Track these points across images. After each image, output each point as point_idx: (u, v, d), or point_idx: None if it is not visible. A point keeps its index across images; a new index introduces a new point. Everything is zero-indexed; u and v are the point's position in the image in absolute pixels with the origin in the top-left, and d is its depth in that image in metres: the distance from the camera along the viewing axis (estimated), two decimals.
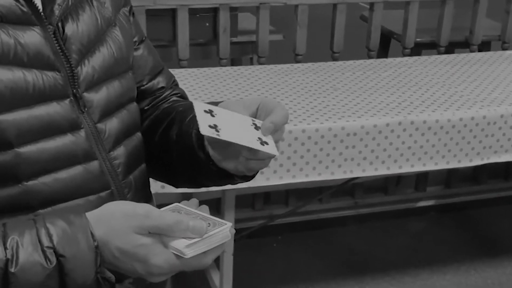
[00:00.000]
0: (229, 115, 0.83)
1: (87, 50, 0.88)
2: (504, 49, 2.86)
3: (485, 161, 2.13)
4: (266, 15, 2.47)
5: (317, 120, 1.94)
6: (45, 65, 0.82)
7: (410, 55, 2.71)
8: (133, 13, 1.03)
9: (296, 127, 1.89)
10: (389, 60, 2.55)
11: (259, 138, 0.82)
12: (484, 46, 2.96)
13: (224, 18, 2.42)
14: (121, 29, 0.95)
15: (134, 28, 1.02)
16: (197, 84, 2.19)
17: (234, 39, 2.60)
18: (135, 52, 1.01)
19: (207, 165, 0.90)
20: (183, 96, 1.09)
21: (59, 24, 0.85)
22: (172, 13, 2.39)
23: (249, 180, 0.94)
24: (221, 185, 1.00)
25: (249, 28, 2.68)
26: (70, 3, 0.86)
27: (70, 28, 0.86)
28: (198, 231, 0.77)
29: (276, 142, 0.84)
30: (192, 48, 2.46)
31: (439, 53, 2.77)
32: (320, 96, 2.13)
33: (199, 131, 0.80)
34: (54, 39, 0.84)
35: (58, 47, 0.84)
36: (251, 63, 2.84)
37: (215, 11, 2.48)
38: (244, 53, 2.87)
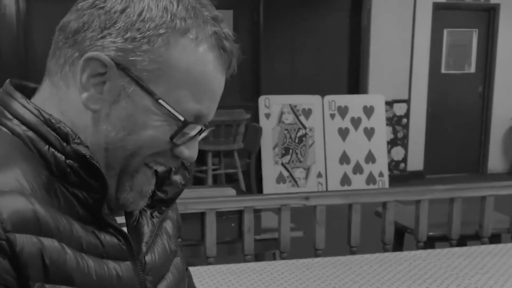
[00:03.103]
0: None
1: (159, 280, 0.93)
2: None
3: None
4: (287, 215, 2.67)
5: None
6: None
7: (424, 248, 2.84)
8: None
9: None
10: (404, 253, 2.66)
11: None
12: (495, 239, 3.09)
13: (248, 219, 2.61)
14: (181, 259, 1.03)
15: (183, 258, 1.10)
16: (223, 280, 2.31)
17: (258, 237, 2.75)
18: None
19: None
20: None
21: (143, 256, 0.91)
22: (201, 215, 2.59)
23: None
24: None
25: (272, 226, 2.84)
26: (152, 239, 0.93)
27: (149, 260, 0.91)
28: None
29: None
30: (219, 246, 2.62)
31: (452, 245, 2.89)
32: None
33: None
34: (140, 271, 0.89)
35: (143, 279, 0.89)
36: (274, 258, 2.96)
37: (240, 212, 2.68)
38: (267, 249, 3.00)
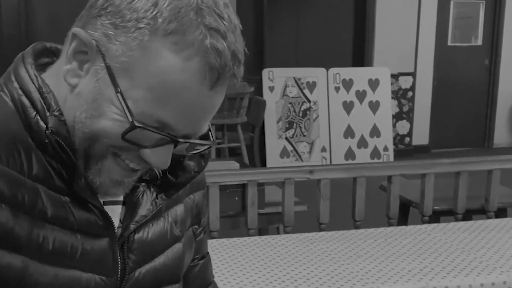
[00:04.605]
0: None
1: (145, 261, 0.92)
2: None
3: None
4: (291, 189, 2.65)
5: (342, 287, 2.02)
6: (102, 271, 0.87)
7: (429, 222, 2.83)
8: (204, 231, 1.09)
9: None
10: (408, 227, 2.66)
11: None
12: (501, 213, 3.08)
13: (252, 193, 2.60)
14: (185, 246, 1.00)
15: (199, 245, 1.07)
16: (227, 254, 2.31)
17: (261, 211, 2.75)
18: (191, 267, 1.06)
19: None
20: None
21: (131, 234, 0.91)
22: None
23: None
24: None
25: (275, 200, 2.84)
26: (148, 218, 0.91)
27: (139, 238, 0.91)
28: None
29: None
30: (222, 220, 2.61)
31: (457, 220, 2.88)
32: (344, 263, 2.23)
33: None
34: (118, 248, 0.89)
35: (119, 256, 0.89)
36: (278, 232, 2.96)
37: (243, 186, 2.67)
38: (270, 223, 3.00)
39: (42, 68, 0.87)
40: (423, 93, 7.21)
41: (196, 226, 1.05)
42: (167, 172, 0.92)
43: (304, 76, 6.40)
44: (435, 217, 2.96)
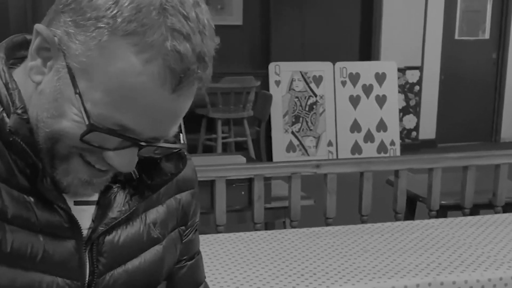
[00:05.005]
0: None
1: (118, 264, 0.89)
2: None
3: None
4: (298, 183, 2.65)
5: (349, 282, 2.02)
6: (66, 274, 0.84)
7: (436, 217, 2.82)
8: (195, 230, 1.06)
9: None
10: (416, 222, 2.65)
11: None
12: (508, 207, 3.06)
13: (258, 187, 2.60)
14: (166, 248, 0.96)
15: (187, 246, 1.04)
16: (233, 248, 2.31)
17: (268, 205, 2.75)
18: (178, 269, 1.04)
19: None
20: None
21: (101, 236, 0.87)
22: (211, 183, 2.58)
23: None
24: None
25: (282, 194, 2.84)
26: (120, 220, 0.88)
27: (109, 241, 0.88)
28: None
29: None
30: (228, 214, 2.61)
31: (464, 214, 2.87)
32: (351, 258, 2.22)
33: None
34: (84, 250, 0.86)
35: (87, 260, 0.86)
36: (284, 227, 2.96)
37: (250, 181, 2.67)
38: (277, 218, 3.00)
39: (18, 61, 0.85)
40: (430, 87, 7.17)
41: (183, 227, 1.02)
42: (143, 174, 0.89)
43: (310, 70, 6.38)
44: (443, 212, 2.95)
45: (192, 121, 5.87)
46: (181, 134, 0.85)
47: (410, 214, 3.17)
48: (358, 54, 7.08)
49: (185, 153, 0.92)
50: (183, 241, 1.02)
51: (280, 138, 6.34)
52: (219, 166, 2.57)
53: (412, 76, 7.04)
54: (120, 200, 0.89)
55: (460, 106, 7.47)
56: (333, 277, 2.06)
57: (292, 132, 6.38)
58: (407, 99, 7.07)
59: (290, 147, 6.37)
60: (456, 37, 7.35)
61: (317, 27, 6.94)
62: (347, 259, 2.21)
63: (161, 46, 0.73)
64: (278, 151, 6.30)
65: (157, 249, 0.95)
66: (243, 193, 2.73)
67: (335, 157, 6.40)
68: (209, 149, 5.97)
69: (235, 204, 2.72)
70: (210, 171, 2.56)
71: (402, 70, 6.89)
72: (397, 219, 2.80)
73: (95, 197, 0.88)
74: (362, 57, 6.99)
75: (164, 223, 0.96)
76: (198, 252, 1.09)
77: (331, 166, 2.72)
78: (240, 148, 6.05)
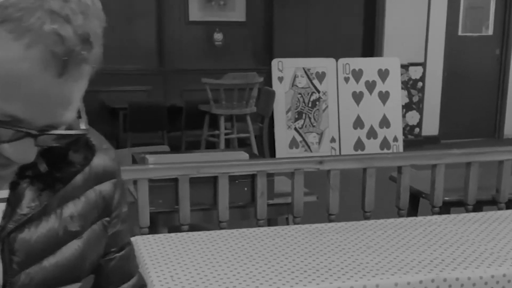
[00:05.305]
0: None
1: (33, 261, 0.87)
2: None
3: None
4: (301, 179, 2.65)
5: (352, 278, 2.02)
6: None
7: (439, 213, 2.81)
8: (122, 220, 1.03)
9: (332, 285, 1.97)
10: (419, 218, 2.65)
11: None
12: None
13: (261, 183, 2.60)
14: (86, 242, 0.94)
15: (115, 238, 1.02)
16: (236, 245, 2.31)
17: (271, 202, 2.74)
18: (107, 261, 1.02)
19: None
20: None
21: (11, 234, 0.85)
22: (214, 179, 2.58)
23: None
24: None
25: (285, 190, 2.83)
26: (30, 215, 0.85)
27: (22, 239, 0.85)
28: None
29: None
30: (231, 210, 2.61)
31: (467, 211, 2.87)
32: (354, 254, 2.22)
33: None
34: (5, 251, 0.83)
35: (6, 259, 0.84)
36: (287, 223, 2.96)
37: (253, 177, 2.66)
38: (280, 214, 3.00)
39: None
40: (433, 84, 7.16)
41: (107, 219, 0.99)
42: (51, 167, 0.87)
43: (313, 66, 6.37)
44: (446, 208, 2.95)
45: (195, 117, 5.88)
46: (80, 120, 0.82)
47: (413, 210, 3.17)
48: (361, 50, 7.07)
49: (93, 143, 0.90)
50: (110, 233, 1.00)
51: (283, 134, 6.34)
52: (222, 162, 2.57)
53: (415, 73, 7.03)
54: (30, 196, 0.86)
55: (463, 102, 7.45)
56: (336, 273, 2.05)
57: (295, 128, 6.38)
58: (410, 96, 7.06)
59: (293, 143, 6.37)
60: (460, 33, 7.34)
61: (320, 23, 6.93)
62: (350, 256, 2.21)
63: (39, 30, 0.71)
64: (281, 147, 6.30)
65: (76, 243, 0.92)
66: (246, 189, 2.73)
67: (338, 153, 6.40)
68: (212, 145, 5.97)
69: (238, 200, 2.72)
70: (213, 167, 2.56)
71: (405, 67, 6.88)
72: (400, 216, 2.80)
73: (6, 194, 0.85)
74: (365, 54, 6.98)
75: (83, 216, 0.93)
76: (129, 243, 1.07)
77: (334, 162, 2.72)
78: (243, 144, 6.06)
